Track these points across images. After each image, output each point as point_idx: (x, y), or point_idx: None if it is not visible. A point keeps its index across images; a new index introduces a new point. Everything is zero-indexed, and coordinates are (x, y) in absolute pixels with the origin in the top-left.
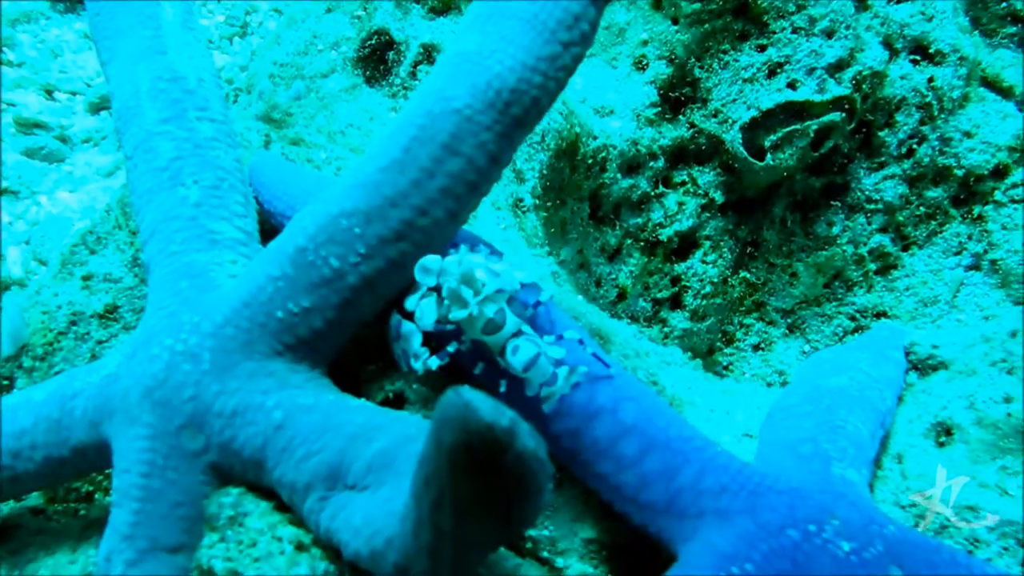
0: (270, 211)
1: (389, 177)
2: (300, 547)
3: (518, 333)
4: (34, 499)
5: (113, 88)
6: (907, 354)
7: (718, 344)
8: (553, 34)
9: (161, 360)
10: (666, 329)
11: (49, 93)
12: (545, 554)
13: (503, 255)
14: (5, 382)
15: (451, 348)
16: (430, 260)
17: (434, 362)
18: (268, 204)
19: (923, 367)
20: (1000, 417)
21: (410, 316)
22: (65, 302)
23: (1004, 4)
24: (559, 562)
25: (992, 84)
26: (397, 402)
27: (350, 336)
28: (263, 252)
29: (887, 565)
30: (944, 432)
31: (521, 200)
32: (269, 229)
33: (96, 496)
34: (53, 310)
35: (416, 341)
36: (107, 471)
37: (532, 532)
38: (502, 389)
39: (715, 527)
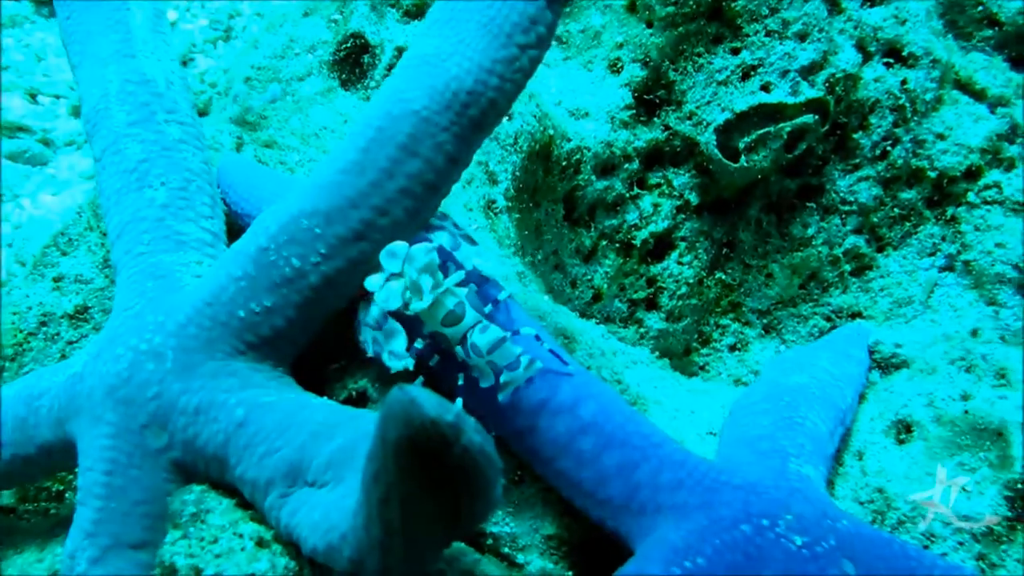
0: (237, 212)
1: (348, 178)
2: (261, 543)
3: (477, 324)
4: (5, 498)
5: (83, 91)
6: (871, 353)
7: (694, 344)
8: (509, 37)
9: (125, 359)
10: (642, 330)
11: (33, 97)
12: (506, 550)
13: (478, 243)
14: None
15: (417, 345)
16: (397, 245)
17: (409, 363)
18: (235, 205)
19: (886, 365)
20: (958, 414)
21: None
22: (36, 303)
23: (980, 7)
24: (520, 558)
25: (965, 87)
26: (360, 400)
27: (312, 335)
28: (226, 252)
29: (840, 559)
30: (904, 429)
31: (494, 202)
32: (237, 230)
33: (67, 495)
34: (24, 311)
35: (400, 343)
36: (77, 470)
37: (493, 529)
38: (460, 382)
39: (671, 522)
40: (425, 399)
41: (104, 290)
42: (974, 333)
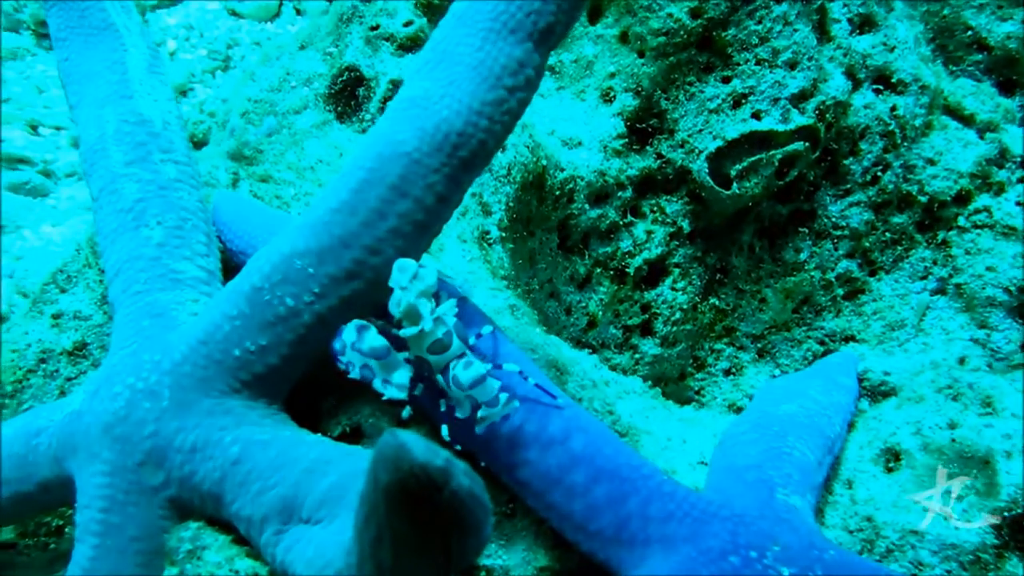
0: (232, 250)
1: (340, 218)
2: None
3: (462, 355)
4: (5, 533)
5: (81, 131)
6: (860, 380)
7: (689, 369)
8: (499, 80)
9: (122, 398)
10: (637, 355)
11: (34, 128)
12: None
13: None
14: None
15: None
16: (408, 261)
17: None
18: (231, 243)
19: (875, 393)
20: (945, 443)
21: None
22: (35, 340)
23: (969, 32)
24: None
25: (954, 112)
26: (354, 435)
27: (305, 372)
28: (221, 291)
29: None
30: (893, 457)
31: (487, 232)
32: (233, 267)
33: (66, 530)
34: (23, 348)
35: (403, 376)
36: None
37: (486, 562)
38: (442, 408)
39: (660, 554)
40: (414, 444)
41: (102, 327)
42: (961, 361)
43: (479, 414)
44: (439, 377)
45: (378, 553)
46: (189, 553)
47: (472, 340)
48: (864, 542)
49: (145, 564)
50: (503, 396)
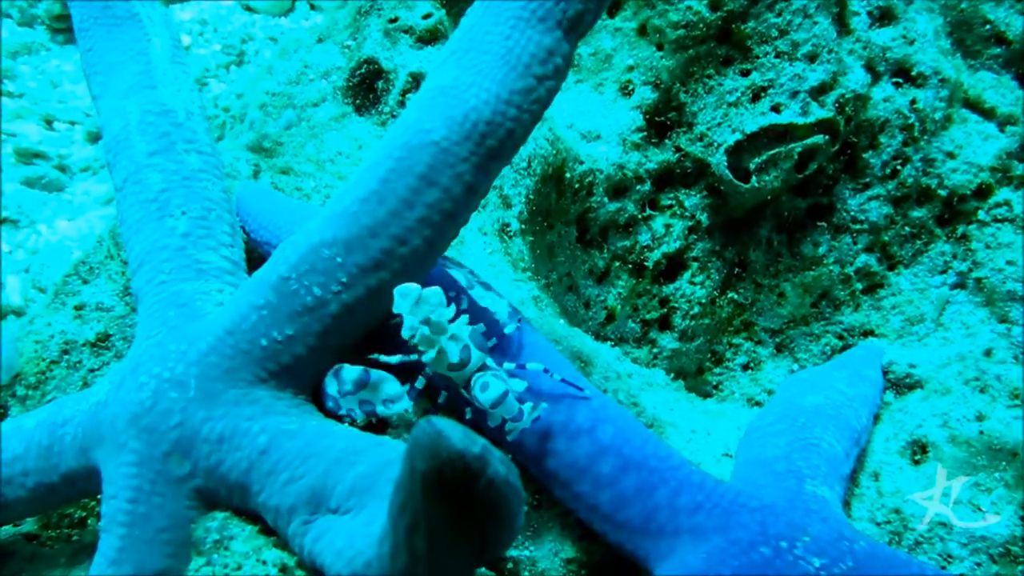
0: (256, 240)
1: (368, 207)
2: (284, 570)
3: (483, 368)
4: (28, 525)
5: (104, 121)
6: (885, 373)
7: (707, 364)
8: (527, 68)
9: (148, 388)
10: (655, 350)
11: (49, 123)
12: (526, 574)
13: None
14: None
15: (419, 384)
16: (410, 287)
17: (409, 405)
18: (254, 234)
19: (900, 386)
20: (973, 435)
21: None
22: (58, 331)
23: (988, 26)
24: None
25: (974, 105)
26: (380, 426)
27: (332, 362)
28: (247, 282)
29: None
30: (919, 450)
31: (508, 225)
32: (256, 258)
33: (89, 522)
34: (46, 339)
35: (392, 387)
36: (99, 497)
37: (513, 553)
38: (467, 416)
39: (689, 545)
40: (452, 431)
41: (125, 318)
42: (988, 353)
43: (507, 427)
44: (463, 392)
45: (413, 542)
46: (216, 543)
47: (493, 342)
48: (892, 534)
49: (172, 554)
50: (527, 407)
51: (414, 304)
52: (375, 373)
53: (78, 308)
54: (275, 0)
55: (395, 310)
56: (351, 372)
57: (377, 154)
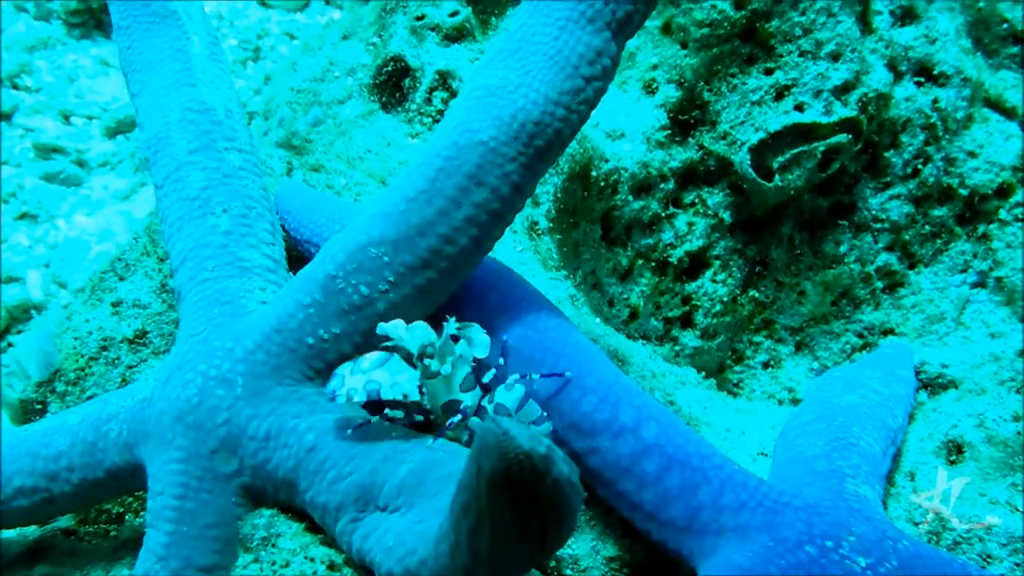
0: (296, 238)
1: (416, 207)
2: (332, 567)
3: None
4: (65, 520)
5: (143, 119)
6: (917, 373)
7: (728, 362)
8: (576, 69)
9: (194, 385)
10: (677, 348)
11: (66, 118)
12: (568, 572)
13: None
14: (38, 407)
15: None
16: (390, 327)
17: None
18: (294, 232)
19: (933, 386)
20: (1010, 435)
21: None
22: (95, 328)
23: (1005, 25)
24: None
25: (995, 105)
26: (427, 425)
27: None
28: (293, 280)
29: None
30: (955, 450)
31: (536, 223)
32: (295, 256)
33: (127, 517)
34: (84, 336)
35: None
36: (138, 493)
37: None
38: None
39: (734, 543)
40: (518, 432)
41: (162, 315)
42: (1023, 354)
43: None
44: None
45: (475, 541)
46: (264, 540)
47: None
48: (930, 534)
49: (219, 551)
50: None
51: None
52: (396, 358)
53: (115, 305)
54: None
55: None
56: (376, 355)
57: (424, 154)
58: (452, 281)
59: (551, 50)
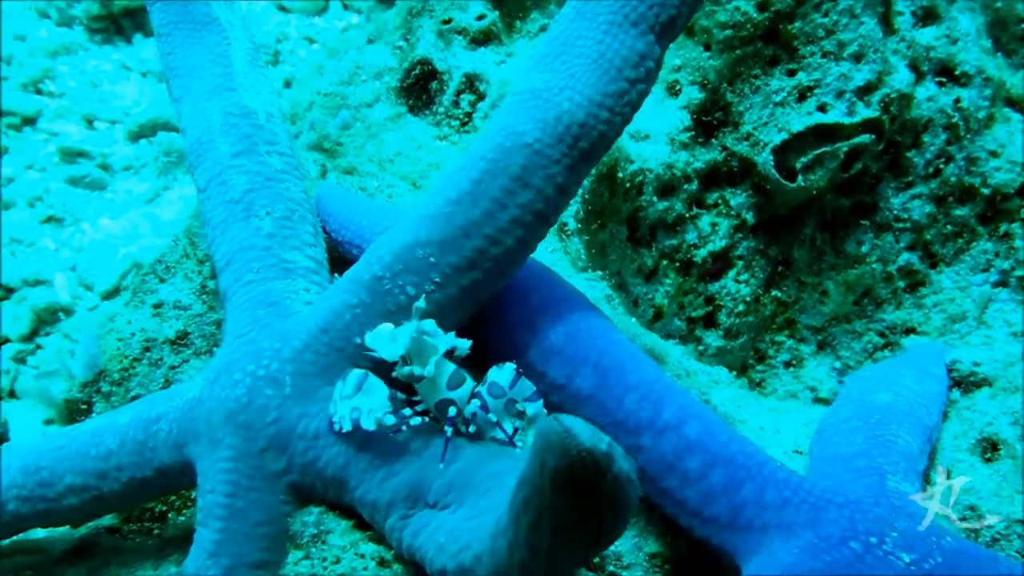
0: (338, 240)
1: (462, 208)
2: (382, 563)
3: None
4: (109, 519)
5: (186, 124)
6: (949, 371)
7: (750, 361)
8: (620, 72)
9: (243, 385)
10: (700, 347)
11: (89, 122)
12: (611, 568)
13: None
14: (83, 407)
15: (414, 421)
16: (376, 334)
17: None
18: (336, 233)
19: (965, 384)
20: None
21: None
22: (138, 329)
23: (1022, 25)
24: None
25: (1017, 104)
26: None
27: None
28: (339, 281)
29: None
30: (990, 447)
31: (565, 224)
32: (336, 257)
33: (169, 516)
34: (127, 337)
35: (378, 396)
36: (181, 492)
37: None
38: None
39: (778, 540)
40: (580, 428)
41: (202, 316)
42: None
43: (531, 411)
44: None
45: (534, 537)
46: (314, 537)
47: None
48: (968, 531)
49: (269, 548)
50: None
51: (389, 342)
52: (372, 378)
53: (156, 306)
54: (309, 0)
55: (382, 354)
56: (354, 375)
57: (469, 156)
58: (497, 281)
59: (595, 53)
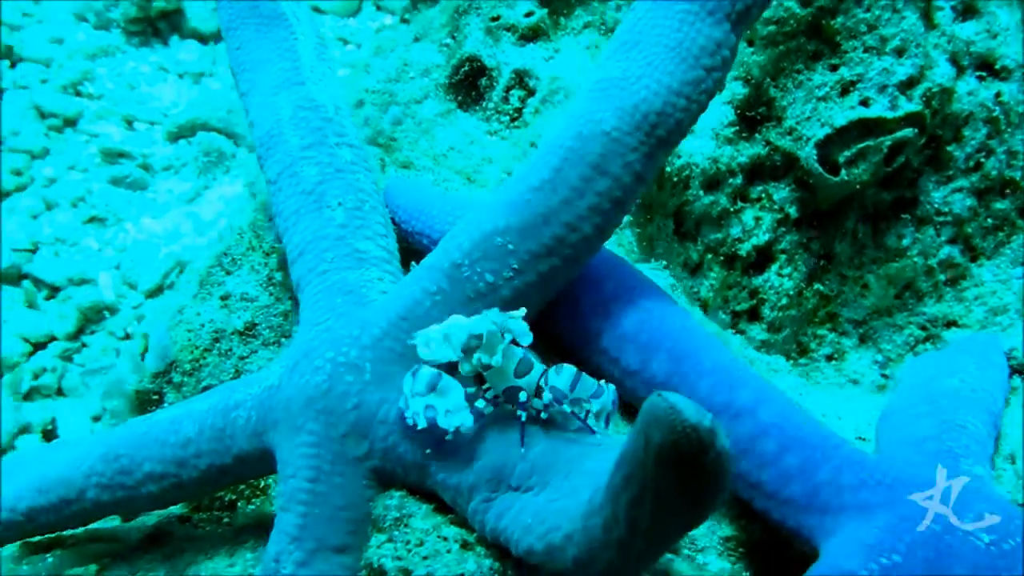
0: (408, 230)
1: (541, 196)
2: (465, 545)
3: (548, 370)
4: (179, 508)
5: (254, 117)
6: (1008, 359)
7: (793, 355)
8: (696, 60)
9: (324, 372)
10: (745, 341)
11: (129, 123)
12: (686, 552)
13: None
14: (155, 397)
15: (479, 404)
16: (425, 335)
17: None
18: (406, 224)
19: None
20: None
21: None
22: (207, 320)
23: None
24: (699, 559)
25: None
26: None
27: None
28: (416, 269)
29: None
30: None
31: None
32: (405, 248)
33: (239, 504)
34: (197, 328)
35: (456, 397)
36: (275, 478)
37: None
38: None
39: (856, 521)
40: (684, 405)
41: (269, 307)
42: None
43: (595, 408)
44: (535, 401)
45: (634, 513)
46: (396, 520)
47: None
48: None
49: (351, 532)
50: (603, 383)
51: (443, 341)
52: (446, 379)
53: (224, 298)
54: (343, 1)
55: (425, 357)
56: (426, 373)
57: (547, 145)
58: (573, 268)
59: (672, 42)
